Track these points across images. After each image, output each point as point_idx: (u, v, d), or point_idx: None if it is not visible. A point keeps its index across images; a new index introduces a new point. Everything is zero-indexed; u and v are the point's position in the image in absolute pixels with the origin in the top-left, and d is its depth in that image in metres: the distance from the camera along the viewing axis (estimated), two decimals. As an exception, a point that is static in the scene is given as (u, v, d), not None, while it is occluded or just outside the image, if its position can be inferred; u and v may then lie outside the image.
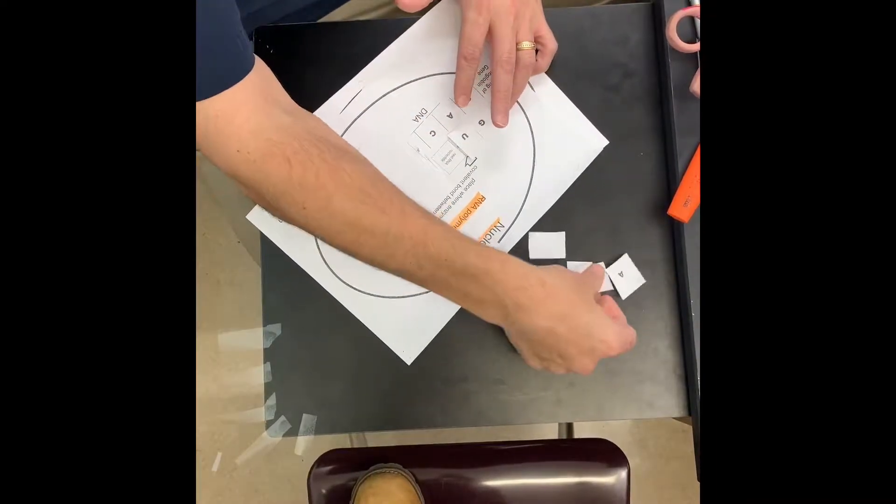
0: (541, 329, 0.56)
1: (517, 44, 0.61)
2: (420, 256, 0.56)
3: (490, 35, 0.60)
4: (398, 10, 0.77)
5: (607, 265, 0.66)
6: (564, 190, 0.66)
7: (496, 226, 0.66)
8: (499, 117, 0.62)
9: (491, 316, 0.58)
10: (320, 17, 0.74)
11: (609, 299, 0.61)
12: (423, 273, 0.57)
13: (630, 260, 0.66)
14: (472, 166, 0.67)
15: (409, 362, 0.65)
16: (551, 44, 0.64)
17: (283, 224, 0.66)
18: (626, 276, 0.66)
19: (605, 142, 0.67)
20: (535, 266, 0.58)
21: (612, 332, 0.57)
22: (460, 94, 0.63)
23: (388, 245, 0.56)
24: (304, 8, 0.73)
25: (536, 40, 0.63)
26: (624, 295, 0.65)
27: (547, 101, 0.67)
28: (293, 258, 0.66)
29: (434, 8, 0.67)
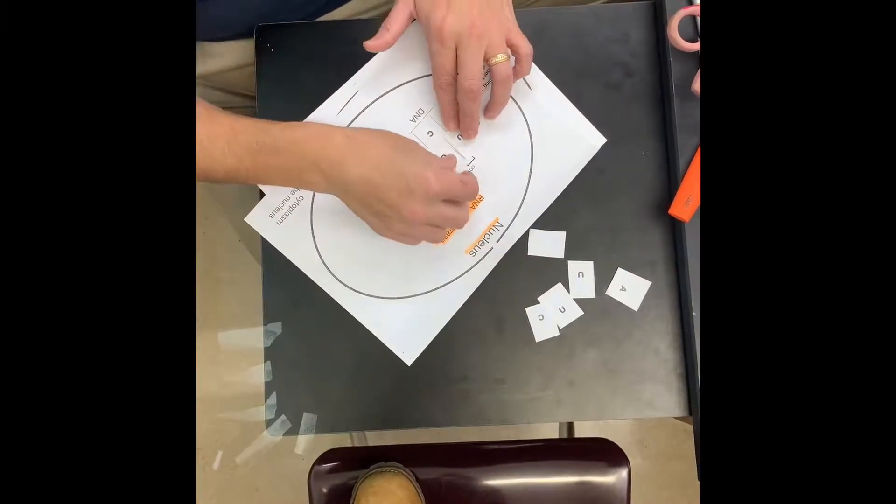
0: (356, 179, 0.57)
1: (488, 59, 0.60)
2: (236, 148, 0.57)
3: (457, 60, 0.60)
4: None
5: (605, 270, 0.65)
6: (563, 188, 0.66)
7: (495, 225, 0.66)
8: (465, 134, 0.66)
9: (317, 184, 0.59)
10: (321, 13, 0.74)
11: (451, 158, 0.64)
12: (246, 164, 0.57)
13: (626, 272, 0.65)
14: (470, 166, 0.67)
15: (409, 363, 0.65)
16: (525, 48, 0.62)
17: (282, 226, 0.66)
18: (629, 288, 0.65)
19: (603, 140, 0.67)
20: (348, 128, 0.61)
21: (431, 169, 0.57)
22: (448, 120, 0.65)
23: (206, 150, 0.56)
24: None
25: (510, 48, 0.62)
26: (636, 306, 0.65)
27: (544, 100, 0.67)
28: (292, 260, 0.66)
29: None
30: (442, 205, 0.59)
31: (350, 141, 0.57)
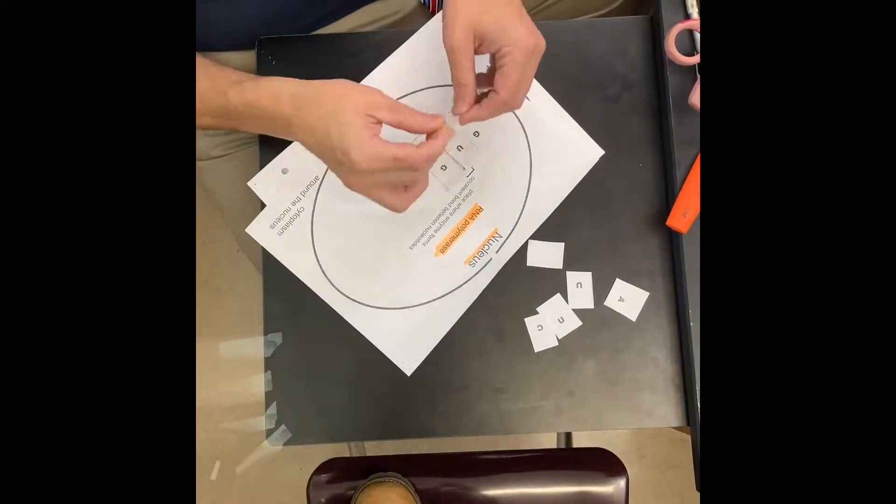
0: (301, 140, 0.57)
1: None
2: (207, 109, 0.61)
3: (514, 76, 0.55)
4: (398, 23, 0.78)
5: (604, 281, 0.66)
6: (561, 200, 0.67)
7: (494, 236, 0.66)
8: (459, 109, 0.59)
9: (284, 135, 0.60)
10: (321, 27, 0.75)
11: (406, 116, 0.55)
12: (220, 122, 0.62)
13: (624, 282, 0.66)
14: (470, 178, 0.67)
15: (409, 373, 0.65)
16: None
17: (283, 237, 0.66)
18: (627, 299, 0.66)
19: (601, 151, 0.67)
20: (300, 81, 0.57)
21: (358, 148, 0.53)
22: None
23: None
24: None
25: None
26: (634, 317, 0.66)
27: (543, 112, 0.68)
28: (292, 270, 0.66)
29: (429, 23, 0.68)
30: (378, 180, 0.55)
31: (295, 101, 0.56)
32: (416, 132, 0.56)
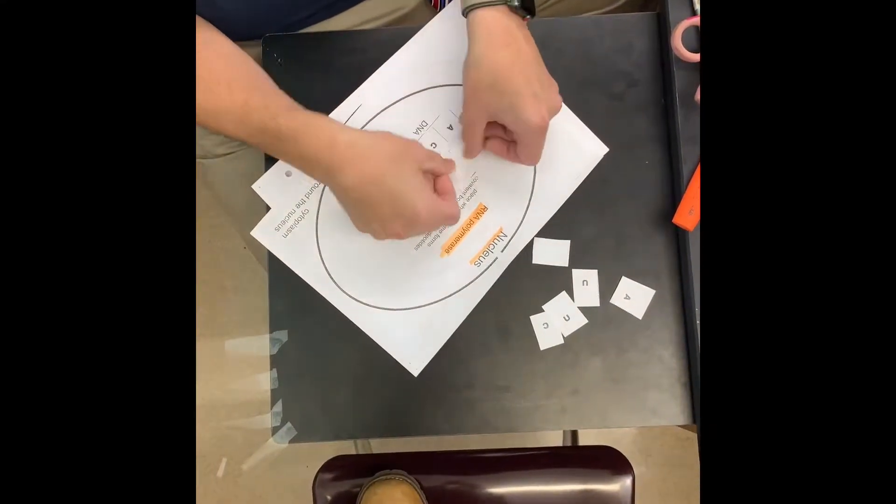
0: (351, 187, 0.58)
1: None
2: (247, 125, 0.61)
3: (529, 151, 0.62)
4: (402, 19, 0.77)
5: (610, 278, 0.66)
6: (566, 198, 0.67)
7: (499, 235, 0.66)
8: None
9: (318, 176, 0.63)
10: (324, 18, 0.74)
11: (444, 178, 0.63)
12: (255, 140, 0.62)
13: (630, 280, 0.66)
14: (474, 177, 0.67)
15: (416, 374, 0.65)
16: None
17: (288, 240, 0.66)
18: (633, 297, 0.66)
19: (606, 149, 0.67)
20: (352, 128, 0.61)
21: (423, 202, 0.59)
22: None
23: (220, 121, 0.61)
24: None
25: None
26: (640, 315, 0.65)
27: None
28: (298, 273, 0.66)
29: (432, 21, 0.68)
30: (420, 229, 0.62)
31: (353, 150, 0.58)
32: (440, 174, 0.63)
